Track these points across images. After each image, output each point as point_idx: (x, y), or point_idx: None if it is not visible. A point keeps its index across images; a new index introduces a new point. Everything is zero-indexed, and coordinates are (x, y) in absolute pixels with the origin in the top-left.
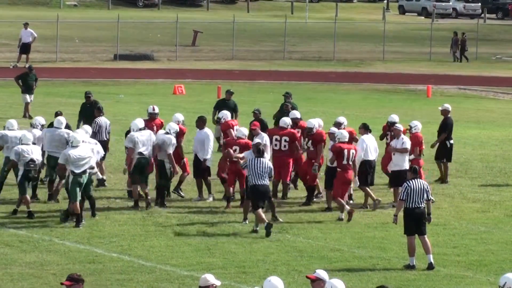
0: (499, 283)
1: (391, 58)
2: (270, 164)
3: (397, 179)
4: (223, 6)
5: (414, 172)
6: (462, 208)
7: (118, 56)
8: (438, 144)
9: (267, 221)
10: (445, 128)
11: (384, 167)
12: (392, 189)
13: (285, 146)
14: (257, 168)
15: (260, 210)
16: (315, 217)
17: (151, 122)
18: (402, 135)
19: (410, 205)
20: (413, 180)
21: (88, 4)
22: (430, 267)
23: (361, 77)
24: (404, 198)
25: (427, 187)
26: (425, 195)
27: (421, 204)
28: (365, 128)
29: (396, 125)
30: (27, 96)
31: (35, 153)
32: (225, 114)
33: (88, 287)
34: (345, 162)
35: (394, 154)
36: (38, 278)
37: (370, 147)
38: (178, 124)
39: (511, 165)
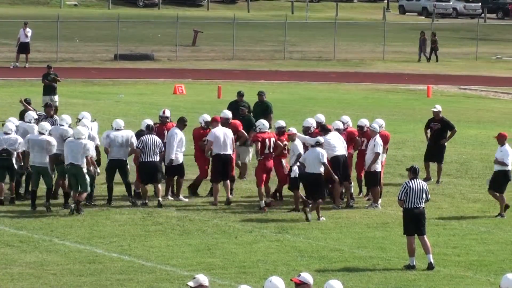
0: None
1: (391, 58)
2: (160, 140)
3: (371, 179)
4: (223, 5)
5: (414, 172)
6: (462, 208)
7: (118, 56)
8: (428, 145)
9: (146, 201)
10: (451, 126)
11: (359, 173)
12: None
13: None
14: (150, 145)
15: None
16: (315, 217)
17: (163, 126)
18: (376, 137)
19: (409, 205)
20: (412, 180)
21: (88, 4)
22: (430, 267)
23: (361, 77)
24: (403, 198)
25: (426, 187)
26: (424, 195)
27: (420, 204)
28: (323, 130)
29: (372, 125)
30: (47, 97)
31: (9, 143)
32: (227, 114)
33: (88, 287)
34: (266, 151)
35: (366, 154)
36: (38, 278)
37: (333, 143)
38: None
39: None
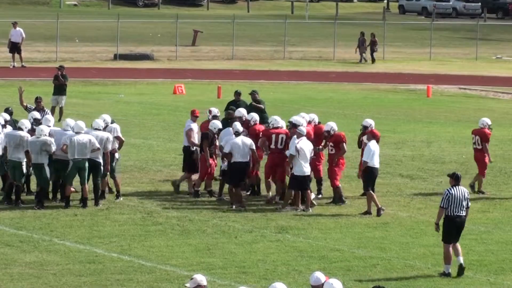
0: None
1: (391, 57)
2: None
3: (299, 183)
4: (223, 5)
5: (456, 179)
6: None
7: (118, 55)
8: None
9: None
10: None
11: (332, 180)
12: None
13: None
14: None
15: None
16: (315, 217)
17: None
18: (294, 137)
19: (451, 213)
20: (454, 188)
21: (88, 4)
22: (461, 268)
23: (361, 76)
24: (445, 206)
25: (468, 195)
26: (464, 203)
27: (461, 213)
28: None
29: (299, 127)
30: (54, 97)
31: None
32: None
33: (88, 287)
34: (273, 146)
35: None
36: (38, 278)
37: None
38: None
39: (511, 165)
